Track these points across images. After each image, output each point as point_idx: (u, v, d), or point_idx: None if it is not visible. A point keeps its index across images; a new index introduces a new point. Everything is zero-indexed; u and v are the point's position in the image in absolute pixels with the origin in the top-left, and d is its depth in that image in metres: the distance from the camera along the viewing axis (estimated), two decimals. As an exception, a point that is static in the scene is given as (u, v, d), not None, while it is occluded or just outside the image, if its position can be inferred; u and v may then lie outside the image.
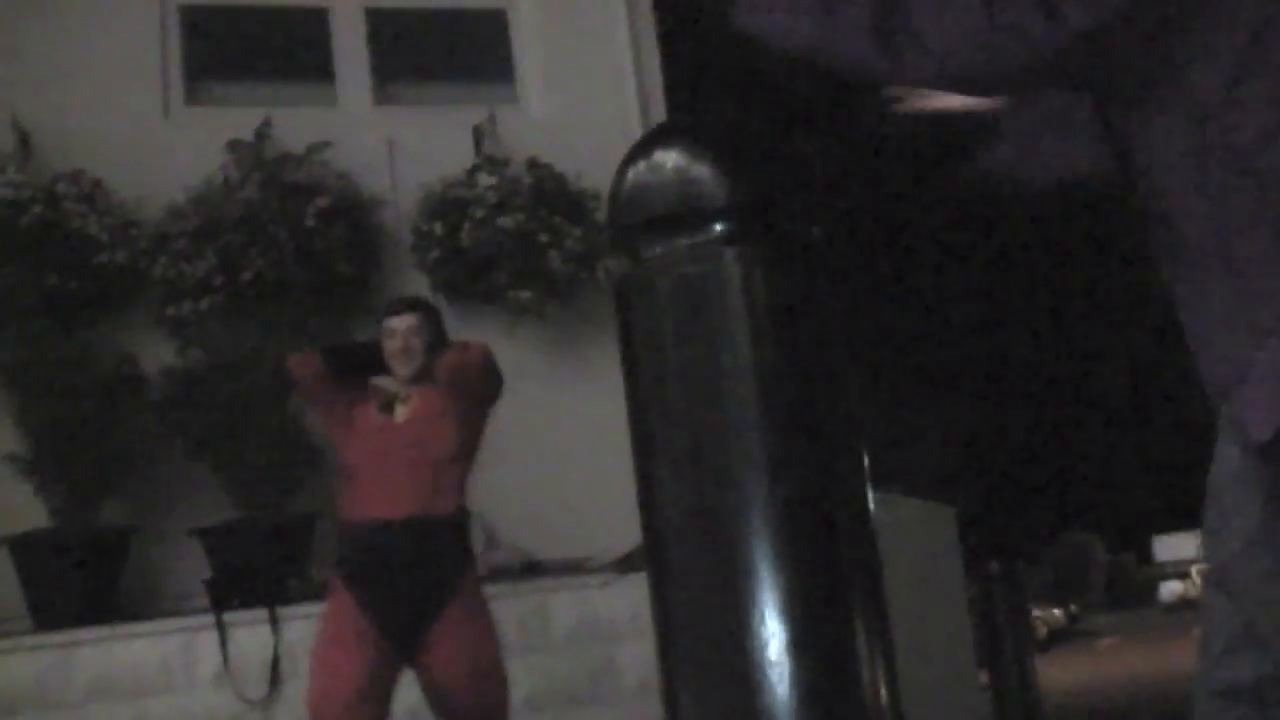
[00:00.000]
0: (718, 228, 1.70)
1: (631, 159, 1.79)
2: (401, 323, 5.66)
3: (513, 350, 8.52)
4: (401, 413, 5.61)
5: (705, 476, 1.70)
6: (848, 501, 1.72)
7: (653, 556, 1.74)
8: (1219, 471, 2.44)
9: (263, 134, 8.19)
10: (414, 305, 5.85)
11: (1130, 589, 44.80)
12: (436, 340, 5.72)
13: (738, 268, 1.70)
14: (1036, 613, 24.78)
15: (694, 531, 1.69)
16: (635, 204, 1.77)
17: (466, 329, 8.38)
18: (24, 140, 7.83)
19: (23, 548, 7.32)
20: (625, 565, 7.56)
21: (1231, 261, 2.17)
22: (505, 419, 8.34)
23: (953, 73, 2.17)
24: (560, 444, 8.40)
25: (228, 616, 7.11)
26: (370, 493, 5.49)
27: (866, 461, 1.77)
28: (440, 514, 5.51)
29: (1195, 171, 2.17)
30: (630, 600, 7.35)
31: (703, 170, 1.70)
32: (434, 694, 5.53)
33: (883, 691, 1.68)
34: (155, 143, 8.29)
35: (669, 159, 1.72)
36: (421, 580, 5.41)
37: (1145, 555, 49.71)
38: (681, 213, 1.72)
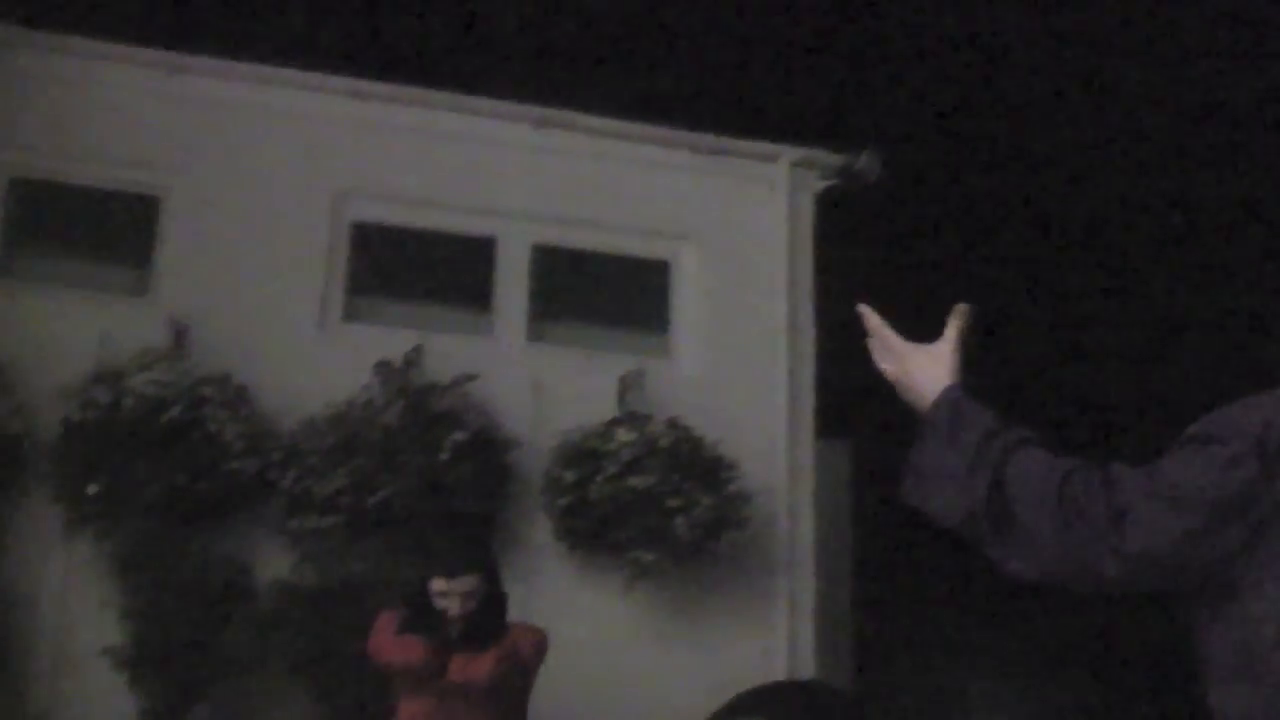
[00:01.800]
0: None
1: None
2: (460, 585, 5.43)
3: (627, 608, 8.40)
4: (455, 671, 5.40)
5: None
6: None
7: None
8: None
9: (411, 360, 8.23)
10: (474, 563, 5.56)
11: None
12: (494, 598, 5.55)
13: None
14: None
15: None
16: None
17: (583, 580, 8.30)
18: (179, 338, 7.94)
19: (107, 741, 7.26)
20: None
21: None
22: (613, 676, 8.16)
23: (1048, 572, 2.34)
24: (665, 708, 8.19)
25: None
26: None
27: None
28: None
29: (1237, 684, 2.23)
30: None
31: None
32: None
33: None
34: (306, 355, 8.36)
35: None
36: None
37: None
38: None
